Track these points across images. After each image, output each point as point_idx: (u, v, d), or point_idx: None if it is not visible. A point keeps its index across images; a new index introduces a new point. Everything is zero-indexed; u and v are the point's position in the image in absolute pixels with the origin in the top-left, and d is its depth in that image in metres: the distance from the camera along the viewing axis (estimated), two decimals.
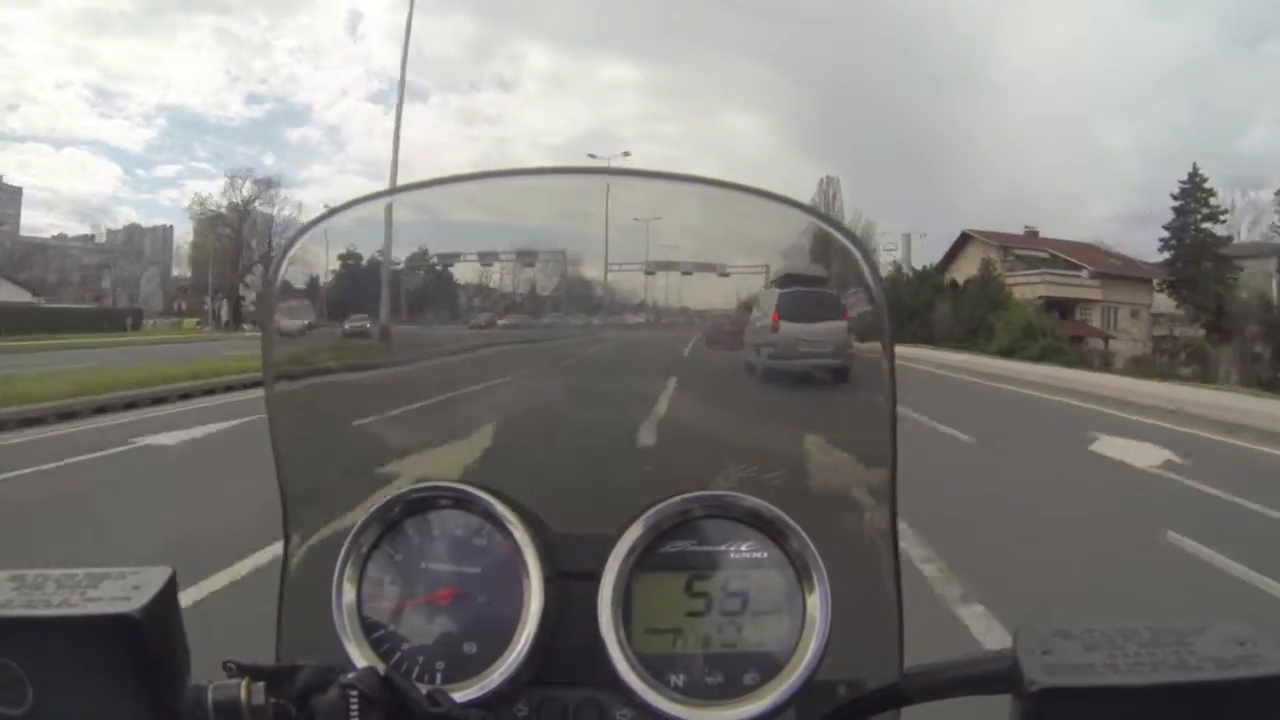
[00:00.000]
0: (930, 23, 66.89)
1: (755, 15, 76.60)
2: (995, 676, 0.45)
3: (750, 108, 75.11)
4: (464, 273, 0.89)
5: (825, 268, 0.75)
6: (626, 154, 44.28)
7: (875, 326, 0.63)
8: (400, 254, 0.80)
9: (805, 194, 58.40)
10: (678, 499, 0.61)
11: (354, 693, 0.46)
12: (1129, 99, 58.72)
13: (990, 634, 3.34)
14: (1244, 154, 56.30)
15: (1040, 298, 37.08)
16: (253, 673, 0.47)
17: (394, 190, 0.74)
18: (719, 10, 77.48)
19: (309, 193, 75.62)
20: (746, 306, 0.88)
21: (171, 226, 61.99)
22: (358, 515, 0.63)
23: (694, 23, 79.59)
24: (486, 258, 0.88)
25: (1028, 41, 63.78)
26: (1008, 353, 29.65)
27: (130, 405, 11.16)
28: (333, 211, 0.69)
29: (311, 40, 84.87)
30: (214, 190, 58.87)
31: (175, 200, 49.81)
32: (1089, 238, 42.24)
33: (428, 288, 0.89)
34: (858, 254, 0.62)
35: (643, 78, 79.68)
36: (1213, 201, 37.30)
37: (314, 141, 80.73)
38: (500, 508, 0.62)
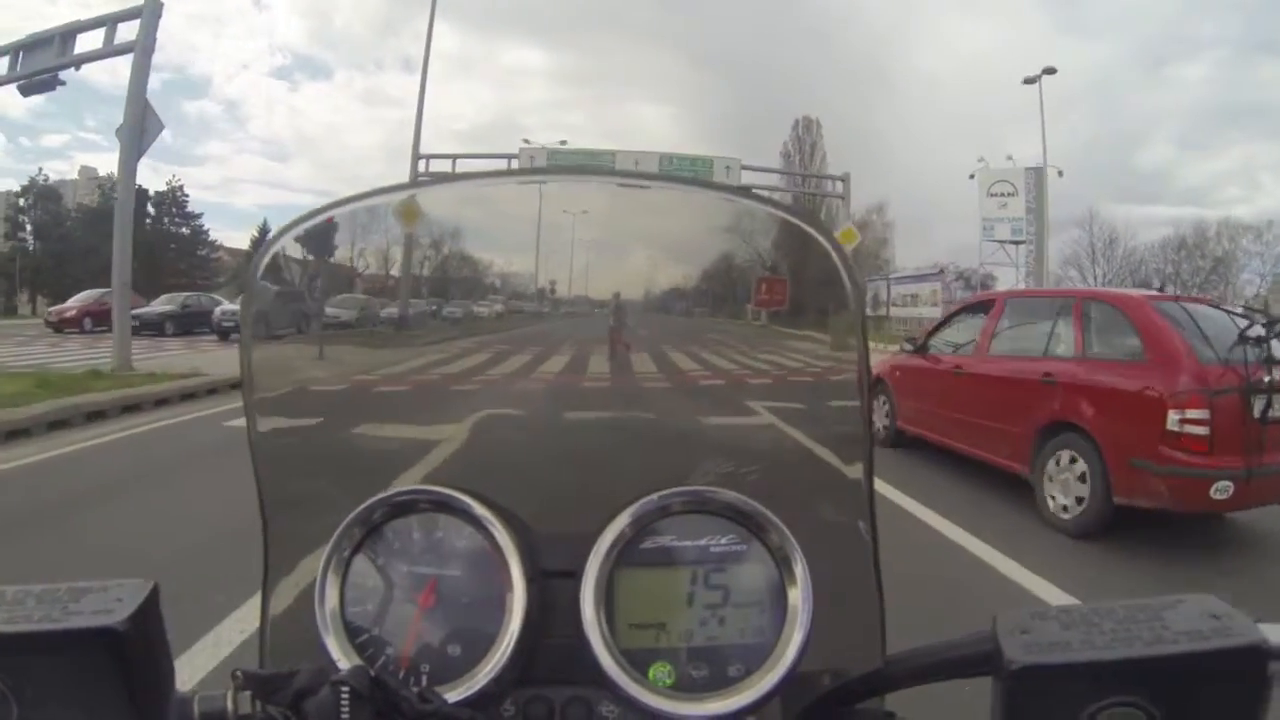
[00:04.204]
0: (845, 21, 67.08)
1: (668, 3, 74.67)
2: (976, 658, 0.45)
3: (658, 98, 75.07)
4: (446, 268, 0.88)
5: (800, 265, 0.73)
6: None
7: (851, 325, 0.63)
8: (377, 253, 0.81)
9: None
10: (657, 495, 0.61)
11: (345, 690, 0.45)
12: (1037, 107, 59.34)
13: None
14: (1139, 170, 57.83)
15: None
16: (249, 681, 0.48)
17: (372, 193, 0.66)
18: None
19: (206, 170, 76.16)
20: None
21: None
22: (339, 520, 0.62)
23: (604, 9, 78.57)
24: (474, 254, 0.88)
25: (941, 46, 64.48)
26: None
27: None
28: (312, 214, 0.67)
29: (213, 7, 78.81)
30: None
31: (63, 173, 46.58)
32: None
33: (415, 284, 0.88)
34: (832, 251, 0.61)
35: (550, 64, 77.25)
36: None
37: (212, 117, 76.00)
38: (480, 509, 0.62)
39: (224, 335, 20.38)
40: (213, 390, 9.63)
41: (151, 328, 21.50)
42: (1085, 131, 52.80)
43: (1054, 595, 3.59)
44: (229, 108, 79.30)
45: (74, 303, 23.06)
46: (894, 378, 7.32)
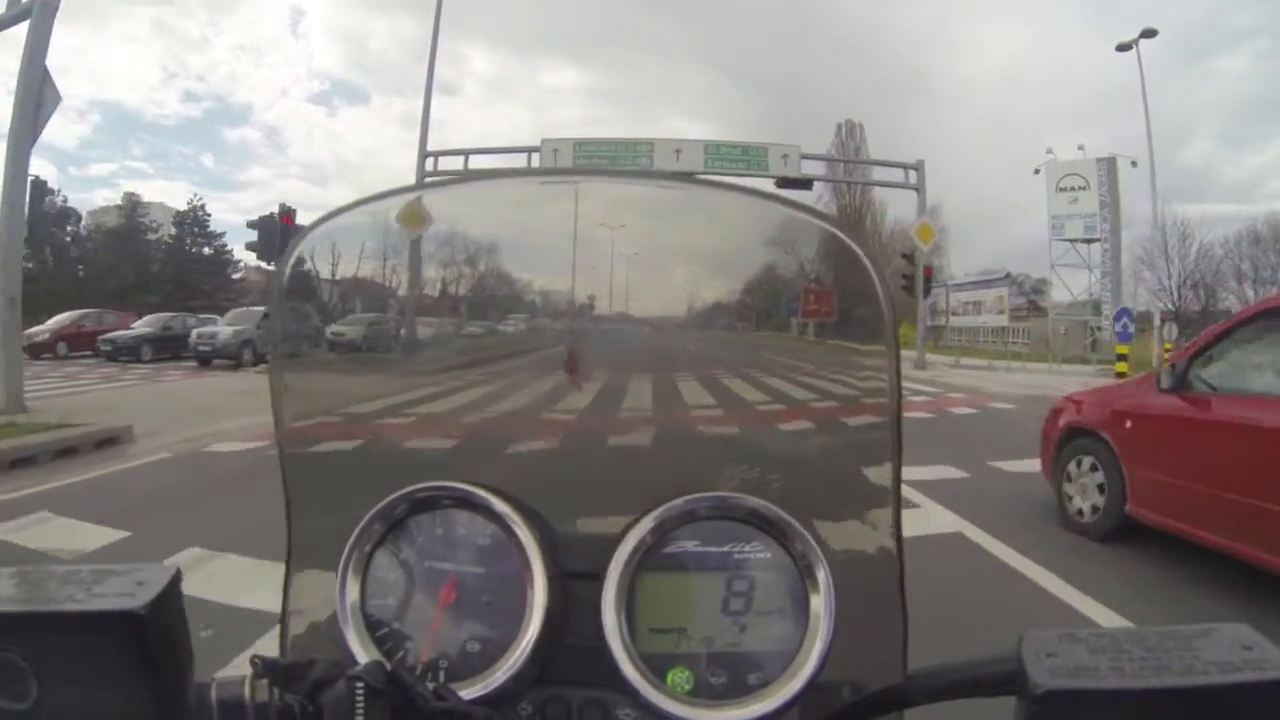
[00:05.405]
0: (878, 29, 67.38)
1: (698, 19, 76.69)
2: (1000, 679, 0.45)
3: (691, 113, 74.67)
4: (476, 273, 0.86)
5: (839, 273, 0.73)
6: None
7: (880, 331, 0.62)
8: (399, 254, 0.79)
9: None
10: (681, 500, 0.61)
11: (360, 685, 0.46)
12: (1075, 110, 59.78)
13: None
14: (1182, 167, 55.63)
15: None
16: (268, 668, 0.48)
17: (388, 193, 0.65)
18: (662, 14, 78.36)
19: (250, 196, 79.29)
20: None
21: None
22: (362, 514, 0.62)
23: (637, 27, 80.00)
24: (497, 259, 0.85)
25: (977, 51, 64.72)
26: None
27: None
28: (329, 215, 0.66)
29: (252, 37, 79.87)
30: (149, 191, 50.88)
31: (109, 199, 46.74)
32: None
33: (439, 289, 0.87)
34: (863, 256, 0.60)
35: (585, 82, 78.03)
36: None
37: (253, 143, 77.92)
38: (503, 507, 0.62)
39: (204, 361, 17.88)
40: (66, 451, 6.70)
41: (127, 353, 19.14)
42: (1127, 130, 51.37)
43: None
44: (269, 134, 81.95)
45: (50, 325, 20.77)
46: (1122, 432, 4.30)
